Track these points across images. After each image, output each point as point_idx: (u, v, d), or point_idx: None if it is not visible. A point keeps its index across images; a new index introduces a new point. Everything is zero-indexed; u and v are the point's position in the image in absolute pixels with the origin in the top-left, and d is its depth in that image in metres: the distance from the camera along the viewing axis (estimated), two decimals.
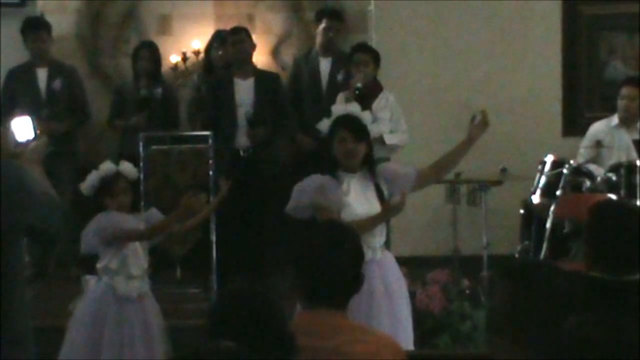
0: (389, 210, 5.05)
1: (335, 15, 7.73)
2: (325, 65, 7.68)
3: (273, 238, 7.00)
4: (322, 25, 7.67)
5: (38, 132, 3.73)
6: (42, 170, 3.65)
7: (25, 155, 3.63)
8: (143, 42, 7.94)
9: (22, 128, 3.71)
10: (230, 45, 7.44)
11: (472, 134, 5.18)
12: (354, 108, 5.29)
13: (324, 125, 5.18)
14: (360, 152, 5.06)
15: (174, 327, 5.51)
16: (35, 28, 7.65)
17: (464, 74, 8.21)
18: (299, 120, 7.58)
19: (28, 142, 3.69)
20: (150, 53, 7.69)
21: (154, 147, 7.15)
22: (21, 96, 7.49)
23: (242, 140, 7.25)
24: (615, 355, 2.43)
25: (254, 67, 7.50)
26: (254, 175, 7.15)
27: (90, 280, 5.46)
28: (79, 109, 7.76)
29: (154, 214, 5.45)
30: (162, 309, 5.41)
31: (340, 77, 7.56)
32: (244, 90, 7.32)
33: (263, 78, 7.43)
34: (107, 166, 5.29)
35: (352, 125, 5.09)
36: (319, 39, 7.72)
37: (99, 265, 5.26)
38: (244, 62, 7.40)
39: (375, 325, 4.60)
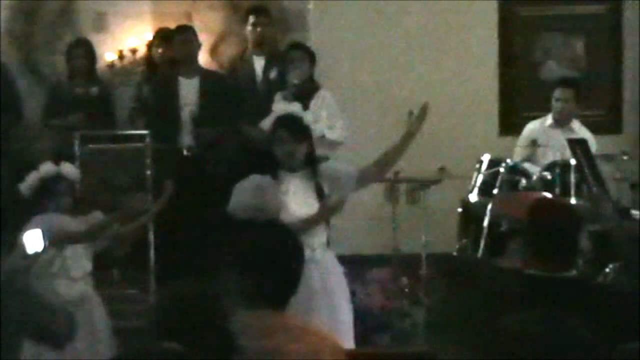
0: (325, 211, 5.05)
1: (260, 11, 7.72)
2: (259, 63, 7.67)
3: (216, 238, 6.96)
4: (249, 22, 7.68)
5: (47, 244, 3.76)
6: None
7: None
8: (77, 39, 7.83)
9: (33, 240, 3.90)
10: (176, 43, 7.40)
11: (411, 129, 5.21)
12: (295, 107, 5.29)
13: (266, 123, 5.18)
14: (300, 152, 5.07)
15: (112, 329, 5.46)
16: None
17: (402, 73, 8.25)
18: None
19: (37, 255, 3.71)
20: (85, 51, 7.61)
21: (91, 146, 7.07)
22: None
23: (186, 139, 7.21)
24: (553, 351, 2.46)
25: (199, 66, 7.47)
26: (199, 175, 7.12)
27: None
28: (11, 108, 7.59)
29: (97, 217, 5.39)
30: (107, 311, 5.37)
31: (274, 75, 7.56)
32: (188, 90, 7.29)
33: (208, 77, 7.40)
34: (47, 167, 5.22)
35: (292, 126, 5.11)
36: (250, 37, 7.72)
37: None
38: (189, 61, 7.37)
39: (315, 324, 4.61)
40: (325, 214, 5.13)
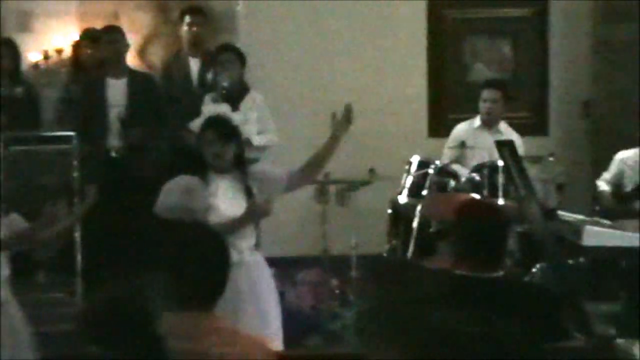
0: (251, 213, 5.04)
1: (196, 11, 7.69)
2: (194, 65, 7.64)
3: (143, 240, 6.90)
4: (185, 22, 7.64)
5: None
6: None
7: None
8: (0, 39, 7.71)
9: None
10: (104, 44, 7.33)
11: (335, 132, 5.22)
12: (224, 109, 5.28)
13: (196, 124, 5.16)
14: (228, 154, 5.07)
15: (38, 334, 5.37)
16: None
17: (332, 75, 8.27)
18: (173, 121, 7.51)
19: None
20: (8, 51, 7.49)
21: (16, 147, 6.95)
22: None
23: (114, 141, 7.14)
24: (482, 351, 2.47)
25: (127, 66, 7.40)
26: (127, 176, 7.04)
27: None
28: None
29: (15, 220, 5.28)
30: (25, 314, 5.26)
31: (210, 76, 7.52)
32: (116, 91, 7.22)
33: (136, 78, 7.34)
34: None
35: (220, 127, 5.13)
36: (185, 38, 7.68)
37: None
38: (117, 62, 7.30)
39: (244, 326, 4.59)
40: (253, 215, 5.10)
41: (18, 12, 8.15)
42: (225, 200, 5.03)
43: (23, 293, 5.75)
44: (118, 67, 7.30)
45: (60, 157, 7.03)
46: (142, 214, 6.85)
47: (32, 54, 7.99)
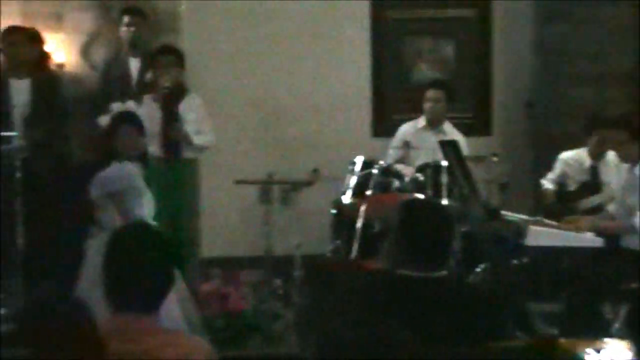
0: None
1: (134, 12, 7.66)
2: (134, 64, 7.60)
3: (59, 240, 6.88)
4: (123, 23, 7.61)
5: None
6: None
7: None
8: None
9: None
10: (6, 45, 7.32)
11: None
12: (132, 105, 5.86)
13: (103, 120, 5.69)
14: (141, 145, 5.66)
15: None
16: None
17: (275, 76, 8.26)
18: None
19: None
20: None
21: None
22: None
23: (18, 141, 7.07)
24: (371, 353, 2.46)
25: (30, 68, 7.37)
26: (32, 176, 6.98)
27: None
28: None
29: None
30: None
31: (149, 76, 7.49)
32: (19, 91, 7.21)
33: (39, 78, 7.33)
34: None
35: (136, 121, 5.69)
36: (124, 38, 7.64)
37: None
38: (19, 63, 7.29)
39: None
40: None
41: None
42: None
43: None
44: (21, 68, 7.30)
45: (2, 157, 6.94)
46: (53, 215, 6.96)
47: None
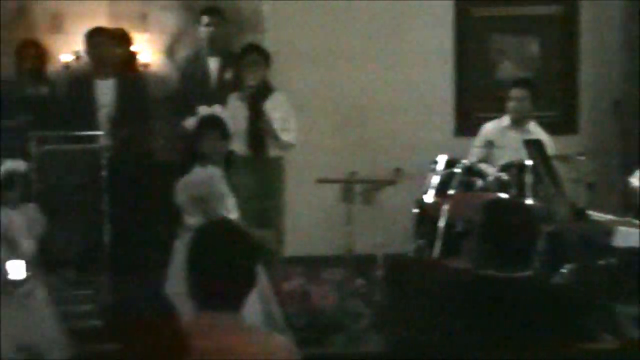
0: None
1: (212, 12, 7.71)
2: (213, 64, 7.66)
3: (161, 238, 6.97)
4: (202, 23, 7.67)
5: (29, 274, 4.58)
6: None
7: None
8: (26, 40, 7.78)
9: (15, 269, 4.75)
10: (90, 46, 7.44)
11: None
12: (218, 109, 5.78)
13: (189, 123, 5.66)
14: (225, 149, 5.65)
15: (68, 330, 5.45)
16: None
17: (357, 74, 8.25)
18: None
19: (17, 282, 4.63)
20: (34, 51, 7.56)
21: (46, 147, 7.00)
22: None
23: (103, 141, 7.18)
24: None
25: (116, 68, 7.48)
26: (117, 175, 7.09)
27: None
28: None
29: (32, 209, 5.67)
30: (57, 310, 5.44)
31: (228, 76, 7.54)
32: (104, 91, 7.32)
33: (124, 78, 7.43)
34: (14, 163, 5.63)
35: (221, 125, 5.66)
36: (203, 38, 7.70)
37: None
38: (103, 63, 7.39)
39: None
40: None
41: (50, 13, 8.20)
42: None
43: (54, 290, 5.85)
44: (105, 68, 7.40)
45: (88, 156, 7.08)
46: (139, 212, 7.08)
47: (63, 55, 8.03)
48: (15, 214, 5.54)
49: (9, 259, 5.34)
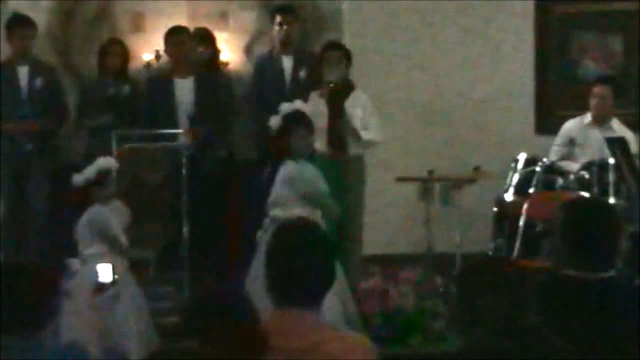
0: None
1: (286, 10, 7.71)
2: (287, 63, 7.67)
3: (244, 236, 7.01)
4: (276, 22, 7.68)
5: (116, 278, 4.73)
6: None
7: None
8: (109, 39, 7.88)
9: (104, 272, 4.81)
10: (169, 44, 7.50)
11: None
12: (299, 105, 5.86)
13: (273, 121, 5.72)
14: (313, 143, 5.79)
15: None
16: (22, 25, 7.53)
17: (437, 73, 8.21)
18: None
19: (106, 286, 4.74)
20: (116, 50, 7.66)
21: (128, 145, 7.10)
22: (2, 94, 7.37)
23: (183, 139, 7.24)
24: None
25: (194, 66, 7.54)
26: (197, 172, 7.15)
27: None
28: (59, 107, 7.65)
29: (118, 205, 5.83)
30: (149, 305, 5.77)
31: (302, 74, 7.56)
32: (184, 90, 7.39)
33: (203, 77, 7.49)
34: (105, 160, 5.81)
35: (308, 121, 5.74)
36: (276, 37, 7.72)
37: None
38: (183, 62, 7.45)
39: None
40: None
41: (131, 12, 8.31)
42: None
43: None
44: (185, 67, 7.46)
45: (169, 155, 7.16)
46: (218, 211, 7.15)
47: (144, 54, 8.14)
48: (108, 210, 5.70)
49: (110, 254, 5.50)
